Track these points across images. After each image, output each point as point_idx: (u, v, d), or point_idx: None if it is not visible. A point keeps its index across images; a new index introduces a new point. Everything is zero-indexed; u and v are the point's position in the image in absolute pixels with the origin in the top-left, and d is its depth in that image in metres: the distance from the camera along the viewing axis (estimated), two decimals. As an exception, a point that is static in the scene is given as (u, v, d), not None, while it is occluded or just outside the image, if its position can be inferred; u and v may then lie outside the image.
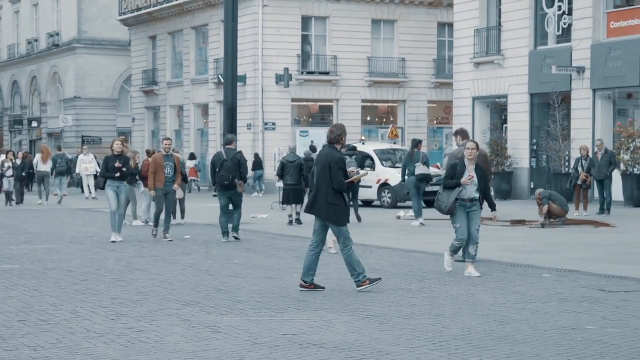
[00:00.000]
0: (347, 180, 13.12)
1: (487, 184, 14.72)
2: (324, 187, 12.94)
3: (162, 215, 21.48)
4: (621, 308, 11.43)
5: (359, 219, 25.10)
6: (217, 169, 20.77)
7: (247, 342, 9.47)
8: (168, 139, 21.85)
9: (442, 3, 50.28)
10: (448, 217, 14.95)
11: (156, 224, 21.57)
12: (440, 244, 17.97)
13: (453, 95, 41.87)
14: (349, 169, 13.74)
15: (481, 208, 14.70)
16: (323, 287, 13.26)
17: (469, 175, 14.39)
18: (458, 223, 14.56)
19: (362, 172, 14.25)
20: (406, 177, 25.13)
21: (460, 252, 15.11)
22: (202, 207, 32.44)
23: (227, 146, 21.17)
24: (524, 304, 11.81)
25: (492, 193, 14.85)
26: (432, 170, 27.46)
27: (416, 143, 25.38)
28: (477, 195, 14.52)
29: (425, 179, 25.13)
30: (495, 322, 10.53)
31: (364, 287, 12.94)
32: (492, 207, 14.87)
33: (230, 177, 20.51)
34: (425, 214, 25.18)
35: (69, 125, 65.60)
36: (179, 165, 21.86)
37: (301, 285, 13.24)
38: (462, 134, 17.66)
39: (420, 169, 24.80)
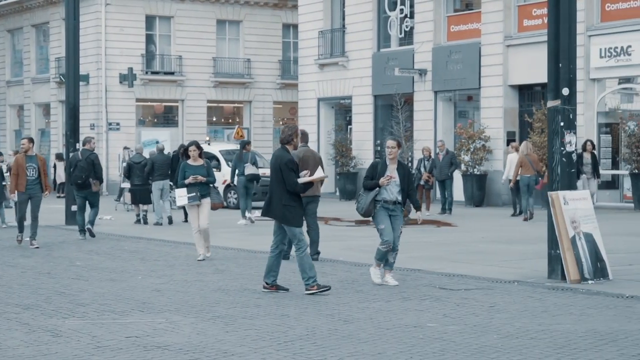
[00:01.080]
0: (302, 180, 12.81)
1: (410, 184, 13.68)
2: (277, 190, 12.77)
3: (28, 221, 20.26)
4: (461, 306, 11.69)
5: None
6: (72, 169, 21.58)
7: (90, 346, 9.30)
8: (25, 138, 20.36)
9: (287, 4, 50.49)
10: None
11: (20, 230, 20.32)
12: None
13: (298, 97, 42.11)
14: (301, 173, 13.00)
15: (402, 211, 13.71)
16: (286, 289, 13.07)
17: (387, 175, 13.44)
18: (382, 224, 13.56)
19: (318, 174, 13.44)
20: (236, 177, 25.95)
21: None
22: (45, 208, 31.64)
23: (84, 147, 22.05)
24: (367, 303, 11.95)
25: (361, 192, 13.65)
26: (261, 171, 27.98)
27: (244, 144, 26.43)
28: (399, 197, 13.53)
29: (254, 179, 25.91)
30: (340, 321, 10.62)
31: (311, 291, 12.67)
32: (417, 207, 13.83)
33: (83, 176, 21.17)
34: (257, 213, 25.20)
35: None
36: (45, 167, 20.24)
37: (264, 287, 13.06)
38: (302, 135, 17.59)
39: (249, 169, 25.69)
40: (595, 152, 27.61)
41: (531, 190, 25.74)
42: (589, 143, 27.10)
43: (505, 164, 29.06)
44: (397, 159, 13.64)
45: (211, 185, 17.38)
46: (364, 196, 13.60)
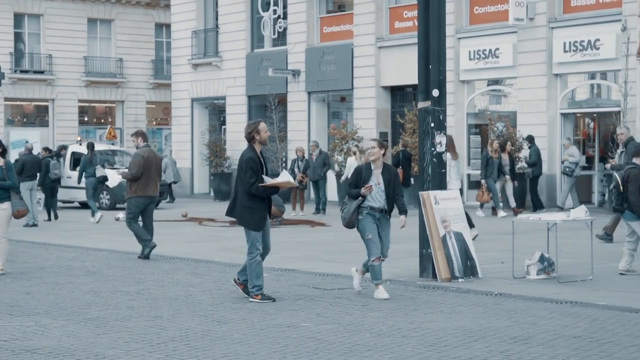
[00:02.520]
0: (263, 185, 12.02)
1: (396, 188, 12.44)
2: (239, 190, 12.25)
3: None
4: (335, 305, 11.78)
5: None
6: None
7: (-44, 352, 9.07)
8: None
9: (159, 4, 50.09)
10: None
11: None
12: (158, 245, 17.86)
13: (172, 97, 41.80)
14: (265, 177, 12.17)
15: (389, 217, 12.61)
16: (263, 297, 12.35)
17: (367, 186, 12.25)
18: (369, 234, 12.32)
19: (282, 178, 12.46)
20: (84, 179, 26.83)
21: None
22: None
23: None
24: (241, 303, 11.95)
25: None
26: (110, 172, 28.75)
27: (92, 147, 27.46)
28: (386, 204, 12.40)
29: (104, 180, 27.46)
30: (213, 322, 10.59)
31: (254, 300, 12.06)
32: (403, 211, 12.54)
33: None
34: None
35: None
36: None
37: (234, 281, 12.69)
38: (141, 135, 17.60)
39: (100, 171, 26.88)
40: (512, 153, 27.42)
41: None
42: (508, 144, 27.01)
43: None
44: (380, 161, 12.48)
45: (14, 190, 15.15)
46: (348, 205, 12.65)
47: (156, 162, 17.19)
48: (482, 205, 26.27)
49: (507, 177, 26.46)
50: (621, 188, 13.72)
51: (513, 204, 26.41)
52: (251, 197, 12.08)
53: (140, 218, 17.23)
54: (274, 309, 11.48)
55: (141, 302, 12.14)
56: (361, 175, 12.46)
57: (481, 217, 25.09)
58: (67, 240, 18.32)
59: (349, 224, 12.54)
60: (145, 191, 16.94)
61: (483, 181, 25.93)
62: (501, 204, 26.28)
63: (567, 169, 27.74)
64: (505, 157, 26.62)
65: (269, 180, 12.10)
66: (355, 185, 12.50)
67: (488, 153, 26.20)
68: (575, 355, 8.67)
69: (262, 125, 12.19)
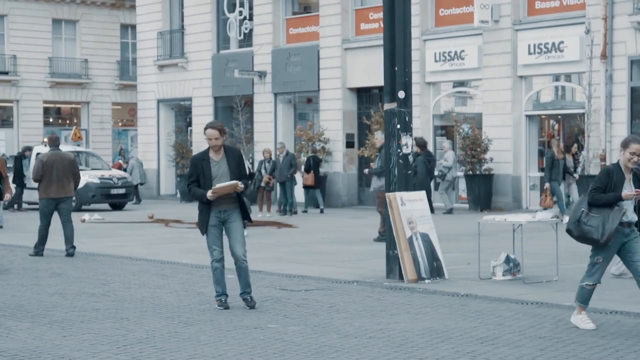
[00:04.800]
0: (214, 188, 11.28)
1: None
2: None
3: None
4: (302, 306, 11.78)
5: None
6: None
7: None
8: None
9: (124, 5, 49.92)
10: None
11: None
12: (124, 247, 17.82)
13: (138, 98, 41.66)
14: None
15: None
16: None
17: (636, 190, 9.80)
18: (603, 258, 10.05)
19: (224, 184, 11.36)
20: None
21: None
22: None
23: None
24: (208, 305, 11.93)
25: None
26: None
27: (25, 149, 28.18)
28: (636, 217, 10.02)
29: None
30: (180, 324, 10.57)
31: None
32: None
33: None
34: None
35: None
36: (4, 169, 18.51)
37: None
38: (49, 140, 18.67)
39: None
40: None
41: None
42: (575, 145, 25.33)
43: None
44: (633, 166, 9.96)
45: None
46: (598, 217, 9.87)
47: (61, 164, 17.75)
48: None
49: (576, 176, 24.93)
50: None
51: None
52: (200, 202, 11.54)
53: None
54: (241, 310, 11.48)
55: (107, 304, 12.09)
56: (612, 179, 9.94)
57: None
58: (32, 242, 18.21)
59: (609, 239, 9.85)
60: (48, 193, 17.65)
61: (547, 184, 24.27)
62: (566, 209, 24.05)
63: (440, 173, 28.27)
64: (569, 159, 25.18)
65: (216, 186, 11.36)
66: (603, 190, 9.93)
67: (554, 154, 24.37)
68: (541, 356, 8.73)
69: (208, 131, 11.45)
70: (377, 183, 19.52)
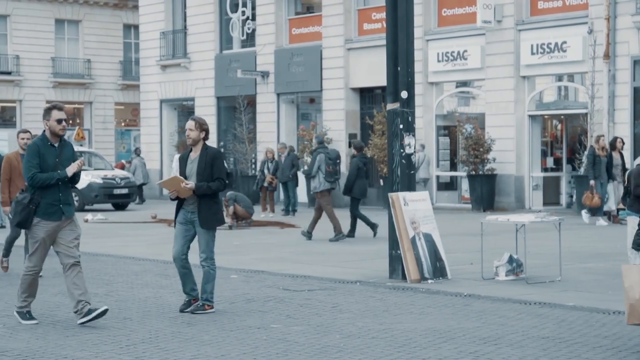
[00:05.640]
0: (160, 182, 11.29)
1: None
2: None
3: None
4: (305, 306, 11.78)
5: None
6: None
7: None
8: (26, 131, 15.53)
9: (127, 5, 49.95)
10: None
11: (7, 254, 15.66)
12: (127, 247, 17.84)
13: (140, 98, 41.69)
14: None
15: None
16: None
17: None
18: None
19: (166, 179, 11.26)
20: None
21: None
22: None
23: None
24: (211, 305, 11.92)
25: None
26: None
27: None
28: None
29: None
30: (183, 324, 10.57)
31: (205, 311, 11.28)
32: None
33: None
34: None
35: None
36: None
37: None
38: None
39: None
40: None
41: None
42: (619, 140, 24.34)
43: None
44: None
45: None
46: None
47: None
48: (591, 210, 23.47)
49: (615, 182, 23.50)
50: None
51: (614, 209, 23.46)
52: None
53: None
54: (244, 310, 11.48)
55: (110, 304, 12.07)
56: None
57: (603, 225, 22.90)
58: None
59: None
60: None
61: (592, 182, 23.45)
62: (613, 207, 23.46)
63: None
64: (616, 156, 23.95)
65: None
66: None
67: (595, 150, 23.79)
68: (544, 356, 8.73)
69: (187, 122, 11.40)
70: (311, 184, 21.35)
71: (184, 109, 40.26)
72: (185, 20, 39.25)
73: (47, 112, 10.56)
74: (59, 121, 10.50)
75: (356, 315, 11.09)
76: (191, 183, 10.99)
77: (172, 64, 39.32)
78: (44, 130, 10.58)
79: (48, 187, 10.35)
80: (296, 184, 28.99)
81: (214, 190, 11.15)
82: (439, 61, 30.49)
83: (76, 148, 35.78)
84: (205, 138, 11.31)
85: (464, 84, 31.37)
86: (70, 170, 10.44)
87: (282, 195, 29.68)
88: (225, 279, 14.44)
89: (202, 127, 11.24)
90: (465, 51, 29.85)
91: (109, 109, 50.58)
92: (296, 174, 29.00)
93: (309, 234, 20.82)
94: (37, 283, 10.91)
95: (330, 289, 13.30)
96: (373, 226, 20.84)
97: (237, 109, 34.71)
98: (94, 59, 49.55)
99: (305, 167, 20.97)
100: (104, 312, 10.45)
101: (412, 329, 10.11)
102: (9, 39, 47.54)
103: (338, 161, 21.73)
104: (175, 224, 11.46)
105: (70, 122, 50.38)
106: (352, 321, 10.65)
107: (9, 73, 47.33)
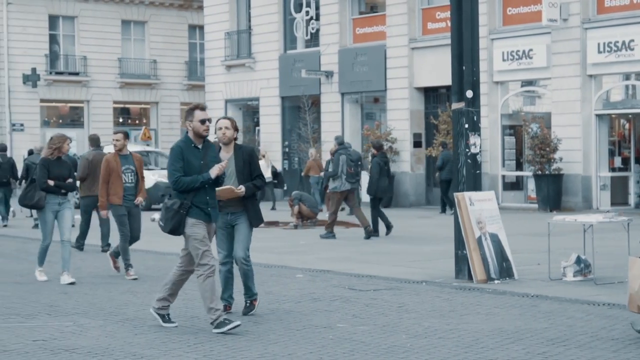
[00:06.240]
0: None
1: None
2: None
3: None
4: (370, 306, 11.78)
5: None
6: None
7: (-4, 351, 9.17)
8: (120, 132, 15.38)
9: (192, 5, 50.29)
10: None
11: (127, 256, 15.12)
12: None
13: (205, 98, 41.94)
14: None
15: None
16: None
17: None
18: None
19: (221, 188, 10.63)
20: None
21: None
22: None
23: (2, 152, 26.34)
24: (277, 304, 11.98)
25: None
26: None
27: None
28: None
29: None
30: (250, 322, 10.63)
31: (255, 307, 11.23)
32: None
33: (8, 176, 25.75)
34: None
35: None
36: (142, 169, 15.49)
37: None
38: (90, 140, 19.64)
39: None
40: None
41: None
42: None
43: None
44: None
45: None
46: None
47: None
48: None
49: None
50: None
51: None
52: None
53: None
54: (310, 310, 11.51)
55: (178, 302, 12.16)
56: None
57: None
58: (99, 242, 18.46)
59: None
60: (92, 190, 18.02)
61: None
62: None
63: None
64: None
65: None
66: None
67: None
68: (614, 358, 8.64)
69: (220, 121, 11.28)
70: (331, 184, 21.54)
71: (249, 109, 40.45)
72: (249, 21, 39.43)
73: (190, 112, 10.32)
74: (203, 121, 10.24)
75: (422, 315, 11.07)
76: (242, 188, 10.75)
77: (237, 64, 39.52)
78: (187, 132, 10.31)
79: (195, 191, 10.03)
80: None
81: (259, 189, 11.08)
82: (504, 60, 30.28)
83: (143, 148, 36.22)
84: (236, 137, 11.30)
85: (530, 83, 31.12)
86: (213, 172, 10.10)
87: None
88: (291, 279, 14.51)
89: (236, 126, 11.29)
90: (531, 50, 29.61)
91: (175, 109, 50.97)
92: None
93: (371, 232, 21.10)
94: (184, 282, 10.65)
95: (396, 288, 13.29)
96: (388, 226, 21.44)
97: (301, 108, 34.79)
98: (159, 60, 49.98)
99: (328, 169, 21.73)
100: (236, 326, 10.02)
101: (479, 330, 10.06)
102: (77, 40, 48.12)
103: (359, 162, 22.07)
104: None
105: (137, 122, 50.91)
106: (419, 321, 10.63)
107: (76, 74, 47.91)
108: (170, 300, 10.54)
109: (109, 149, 20.27)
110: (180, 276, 10.51)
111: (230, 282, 11.24)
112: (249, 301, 11.25)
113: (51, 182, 14.02)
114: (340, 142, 22.78)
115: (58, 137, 14.45)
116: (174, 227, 10.10)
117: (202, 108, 10.38)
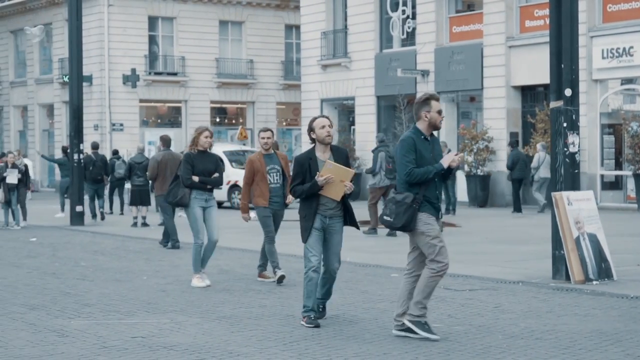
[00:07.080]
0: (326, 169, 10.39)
1: None
2: None
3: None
4: (466, 306, 11.72)
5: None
6: (90, 168, 27.04)
7: (96, 346, 9.34)
8: (267, 130, 14.34)
9: (289, 5, 50.54)
10: None
11: (276, 262, 14.38)
12: (291, 245, 17.99)
13: (301, 97, 42.14)
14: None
15: None
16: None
17: None
18: None
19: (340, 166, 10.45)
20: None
21: None
22: (46, 209, 31.75)
23: (94, 150, 28.12)
24: (372, 303, 11.99)
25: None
26: None
27: (2, 155, 28.81)
28: None
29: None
30: (345, 322, 10.65)
31: (302, 322, 10.49)
32: None
33: (102, 173, 27.61)
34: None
35: None
36: (288, 168, 14.18)
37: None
38: (161, 140, 20.80)
39: (10, 177, 25.12)
40: None
41: None
42: None
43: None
44: None
45: None
46: None
47: (173, 163, 19.02)
48: None
49: None
50: None
51: None
52: (304, 205, 10.67)
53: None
54: (405, 309, 11.47)
55: (274, 300, 12.28)
56: None
57: None
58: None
59: None
60: (163, 189, 18.60)
61: None
62: None
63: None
64: None
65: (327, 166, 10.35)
66: None
67: None
68: None
69: (318, 120, 10.89)
70: (370, 180, 22.05)
71: (345, 109, 40.51)
72: (345, 20, 39.49)
73: (426, 103, 9.67)
74: (439, 112, 9.68)
75: (519, 315, 10.97)
76: (350, 185, 10.35)
77: (333, 64, 39.62)
78: (415, 124, 9.76)
79: (426, 184, 9.53)
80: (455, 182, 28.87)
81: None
82: (603, 58, 29.80)
83: (240, 147, 36.53)
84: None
85: (630, 81, 30.57)
86: (445, 161, 9.56)
87: (443, 194, 29.52)
88: (386, 278, 14.50)
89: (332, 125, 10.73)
90: (632, 47, 29.07)
91: (271, 108, 51.29)
92: (456, 172, 28.82)
93: (372, 230, 21.78)
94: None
95: (492, 289, 13.19)
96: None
97: (397, 108, 34.70)
98: (256, 59, 50.33)
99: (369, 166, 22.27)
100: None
101: (577, 331, 9.93)
102: (175, 40, 48.73)
103: None
104: (308, 236, 10.54)
105: (233, 121, 51.36)
106: (515, 322, 10.54)
107: (175, 74, 48.53)
108: (424, 303, 9.72)
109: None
110: (412, 284, 9.88)
111: (316, 288, 10.59)
112: (321, 305, 10.79)
113: (195, 178, 13.65)
114: (381, 140, 23.04)
115: (196, 129, 14.06)
116: (407, 222, 9.57)
117: (437, 98, 9.79)
